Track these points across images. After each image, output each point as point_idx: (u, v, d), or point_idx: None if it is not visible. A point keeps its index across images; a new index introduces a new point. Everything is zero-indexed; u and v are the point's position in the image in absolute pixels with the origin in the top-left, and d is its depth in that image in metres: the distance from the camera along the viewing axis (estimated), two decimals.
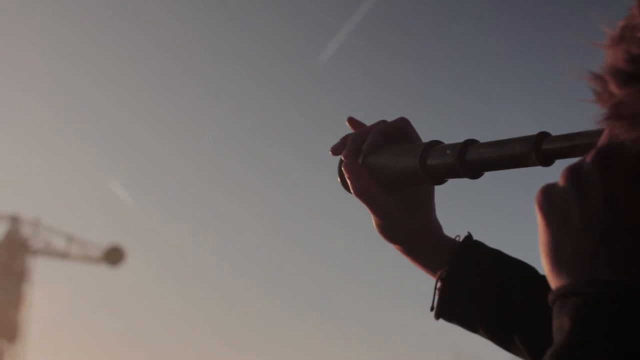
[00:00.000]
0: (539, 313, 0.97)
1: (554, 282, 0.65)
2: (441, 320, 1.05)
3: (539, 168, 0.85)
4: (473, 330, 1.03)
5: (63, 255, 37.97)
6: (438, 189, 1.07)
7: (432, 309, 1.04)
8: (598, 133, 0.73)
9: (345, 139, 1.08)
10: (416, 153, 0.99)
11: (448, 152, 0.95)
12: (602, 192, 0.64)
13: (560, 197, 0.67)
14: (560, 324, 0.62)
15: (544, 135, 0.83)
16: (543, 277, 1.02)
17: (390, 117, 1.07)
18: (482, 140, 0.94)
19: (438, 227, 1.07)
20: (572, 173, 0.67)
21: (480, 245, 1.06)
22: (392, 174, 1.03)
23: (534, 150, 0.83)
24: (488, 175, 0.95)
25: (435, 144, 1.00)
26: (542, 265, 0.67)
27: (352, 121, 1.12)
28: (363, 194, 1.03)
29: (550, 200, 0.67)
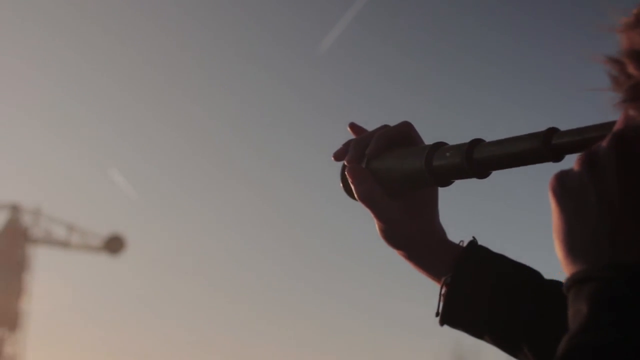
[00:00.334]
0: (546, 319, 0.97)
1: (569, 269, 0.65)
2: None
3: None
4: (478, 336, 1.02)
5: (63, 245, 38.02)
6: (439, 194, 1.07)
7: (437, 314, 1.03)
8: (609, 125, 0.73)
9: (347, 145, 1.07)
10: (422, 154, 0.99)
11: (455, 152, 0.94)
12: (618, 176, 0.64)
13: (576, 183, 0.66)
14: (576, 310, 0.61)
15: (553, 131, 0.83)
16: (549, 282, 1.02)
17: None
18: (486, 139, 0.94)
19: (442, 232, 1.07)
20: (587, 158, 0.67)
21: (485, 250, 1.05)
22: (397, 177, 1.02)
23: (544, 145, 0.83)
24: (488, 179, 0.95)
25: (440, 145, 0.99)
26: (556, 251, 0.66)
27: (353, 127, 1.11)
28: (367, 199, 1.02)
29: (565, 186, 0.67)
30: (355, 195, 1.04)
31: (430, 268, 1.05)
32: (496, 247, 1.05)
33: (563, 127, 0.83)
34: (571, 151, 0.81)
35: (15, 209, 37.35)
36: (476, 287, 1.01)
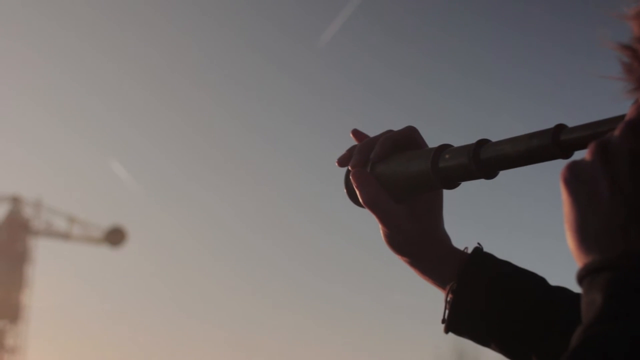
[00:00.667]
0: (554, 326, 0.96)
1: (582, 259, 0.64)
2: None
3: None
4: (484, 344, 1.01)
5: (64, 236, 38.10)
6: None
7: (443, 321, 1.02)
8: (618, 119, 0.72)
9: (351, 150, 1.07)
10: (428, 156, 0.98)
11: (461, 153, 0.93)
12: (631, 166, 0.63)
13: (588, 172, 0.66)
14: (591, 300, 0.60)
15: (561, 127, 0.83)
16: (555, 289, 1.01)
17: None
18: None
19: (446, 238, 1.06)
20: (599, 147, 0.66)
21: (490, 257, 1.04)
22: (402, 180, 1.00)
23: (553, 141, 0.82)
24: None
25: (446, 147, 0.98)
26: (568, 242, 0.66)
27: (356, 133, 1.10)
28: (372, 203, 1.01)
29: (577, 176, 0.66)
30: (360, 200, 1.03)
31: (435, 275, 1.04)
32: (501, 249, 1.05)
33: (569, 124, 0.83)
34: (580, 147, 0.81)
35: (16, 201, 37.41)
36: (481, 295, 1.00)
